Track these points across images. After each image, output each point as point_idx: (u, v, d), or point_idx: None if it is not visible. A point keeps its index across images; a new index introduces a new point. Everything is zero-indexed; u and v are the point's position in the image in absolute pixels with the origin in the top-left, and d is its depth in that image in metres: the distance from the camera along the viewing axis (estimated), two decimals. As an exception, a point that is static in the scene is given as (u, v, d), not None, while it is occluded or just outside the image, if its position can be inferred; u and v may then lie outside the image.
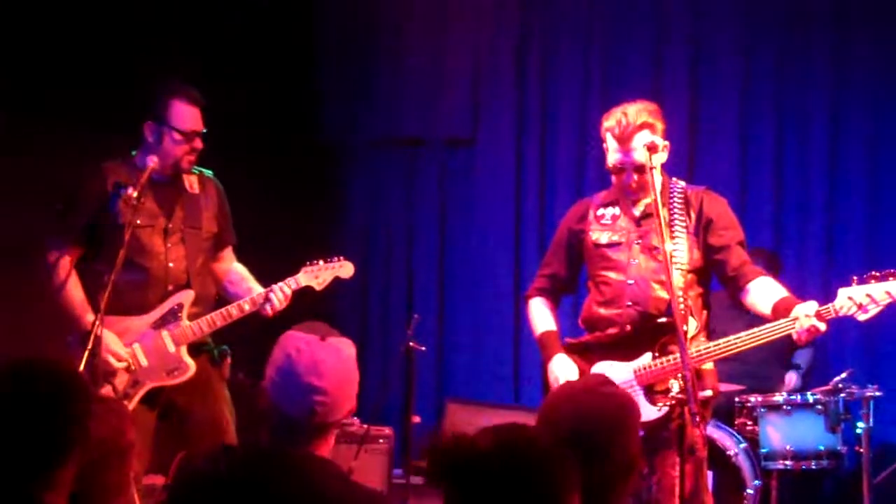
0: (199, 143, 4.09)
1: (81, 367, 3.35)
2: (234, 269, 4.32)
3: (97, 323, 3.45)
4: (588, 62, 6.94)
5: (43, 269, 4.03)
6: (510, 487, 1.89)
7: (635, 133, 3.75)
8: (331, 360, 2.34)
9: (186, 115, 4.05)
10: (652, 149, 3.61)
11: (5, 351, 4.42)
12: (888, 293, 3.49)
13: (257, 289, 4.17)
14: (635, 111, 3.80)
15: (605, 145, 3.88)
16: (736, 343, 3.64)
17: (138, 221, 3.92)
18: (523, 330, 6.99)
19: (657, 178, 3.74)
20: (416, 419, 5.57)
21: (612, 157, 3.83)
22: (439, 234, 7.28)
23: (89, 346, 3.34)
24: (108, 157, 4.09)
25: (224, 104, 6.04)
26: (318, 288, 4.16)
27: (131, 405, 3.92)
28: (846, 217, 6.40)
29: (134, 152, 4.11)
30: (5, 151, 5.28)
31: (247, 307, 4.06)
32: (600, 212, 3.99)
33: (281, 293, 4.05)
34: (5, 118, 5.22)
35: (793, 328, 3.54)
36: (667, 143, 3.78)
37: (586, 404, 2.38)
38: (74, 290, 4.00)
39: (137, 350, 4.00)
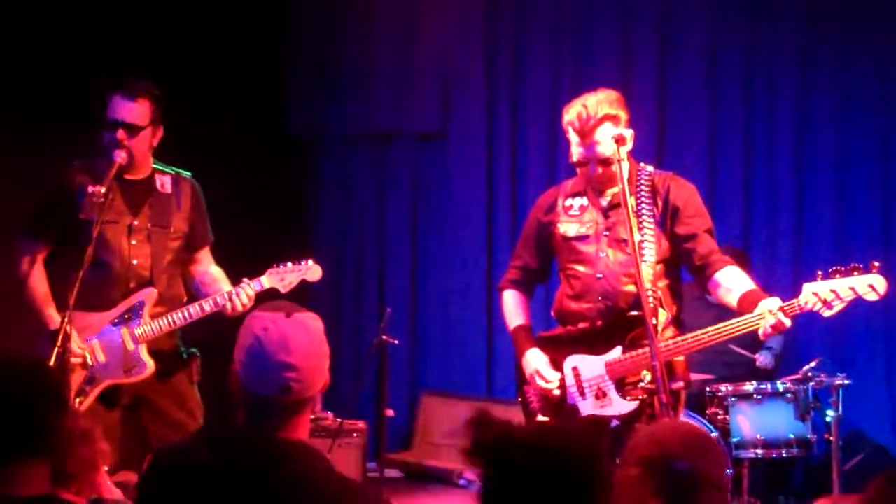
0: (121, 134, 4.00)
1: (52, 362, 3.34)
2: (209, 270, 4.28)
3: (66, 320, 3.44)
4: (558, 52, 6.97)
5: (13, 265, 4.06)
6: (545, 478, 1.92)
7: (597, 126, 3.67)
8: (299, 335, 2.30)
9: (115, 106, 4.02)
10: (620, 141, 3.55)
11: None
12: (852, 289, 3.43)
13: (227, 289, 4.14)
14: (595, 103, 3.69)
15: (567, 137, 3.80)
16: (703, 338, 3.61)
17: (103, 218, 3.93)
18: (496, 322, 7.01)
19: (624, 166, 3.74)
20: (390, 413, 5.57)
21: (575, 150, 3.76)
22: (411, 228, 7.28)
23: (58, 343, 3.33)
24: (81, 155, 4.09)
25: (195, 100, 6.05)
26: (283, 290, 4.12)
27: (87, 402, 3.92)
28: (815, 209, 6.46)
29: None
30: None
31: (207, 307, 4.03)
32: (568, 202, 3.92)
33: (245, 294, 4.02)
34: None
35: (758, 324, 3.50)
36: (631, 131, 3.69)
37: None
38: (39, 286, 4.01)
39: (96, 346, 3.98)
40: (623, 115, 3.73)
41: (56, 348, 3.33)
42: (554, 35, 6.98)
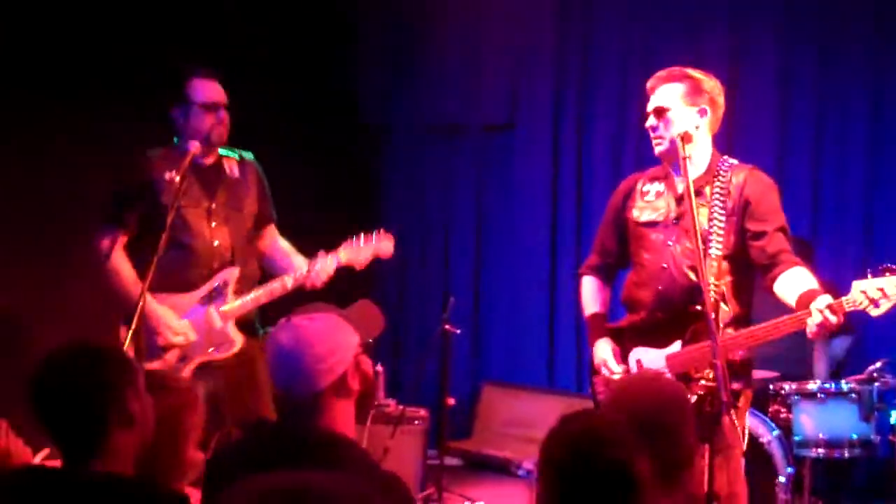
0: (223, 115, 4.20)
1: (126, 346, 3.43)
2: (278, 245, 4.44)
3: (141, 304, 3.54)
4: (627, 45, 6.94)
5: (95, 253, 4.17)
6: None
7: (664, 82, 3.76)
8: (287, 339, 2.40)
9: (205, 88, 4.18)
10: (686, 139, 3.55)
11: (49, 332, 4.60)
12: None
13: (301, 263, 4.27)
14: (667, 70, 3.81)
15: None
16: (756, 334, 3.55)
17: (182, 203, 4.05)
18: (558, 314, 7.05)
19: (705, 151, 3.75)
20: (451, 401, 5.63)
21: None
22: (476, 218, 7.33)
23: (133, 327, 3.42)
24: (151, 146, 4.21)
25: (266, 89, 6.15)
26: (358, 266, 4.28)
27: None
28: (884, 206, 6.37)
29: (176, 140, 4.23)
30: (43, 140, 5.41)
31: (290, 283, 4.18)
32: (646, 187, 3.90)
33: (323, 269, 4.18)
34: None
35: (805, 321, 3.42)
36: (705, 107, 3.74)
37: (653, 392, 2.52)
38: (123, 270, 4.13)
39: (186, 325, 4.13)
40: (691, 84, 3.77)
41: (130, 330, 3.42)
42: (623, 27, 6.96)
